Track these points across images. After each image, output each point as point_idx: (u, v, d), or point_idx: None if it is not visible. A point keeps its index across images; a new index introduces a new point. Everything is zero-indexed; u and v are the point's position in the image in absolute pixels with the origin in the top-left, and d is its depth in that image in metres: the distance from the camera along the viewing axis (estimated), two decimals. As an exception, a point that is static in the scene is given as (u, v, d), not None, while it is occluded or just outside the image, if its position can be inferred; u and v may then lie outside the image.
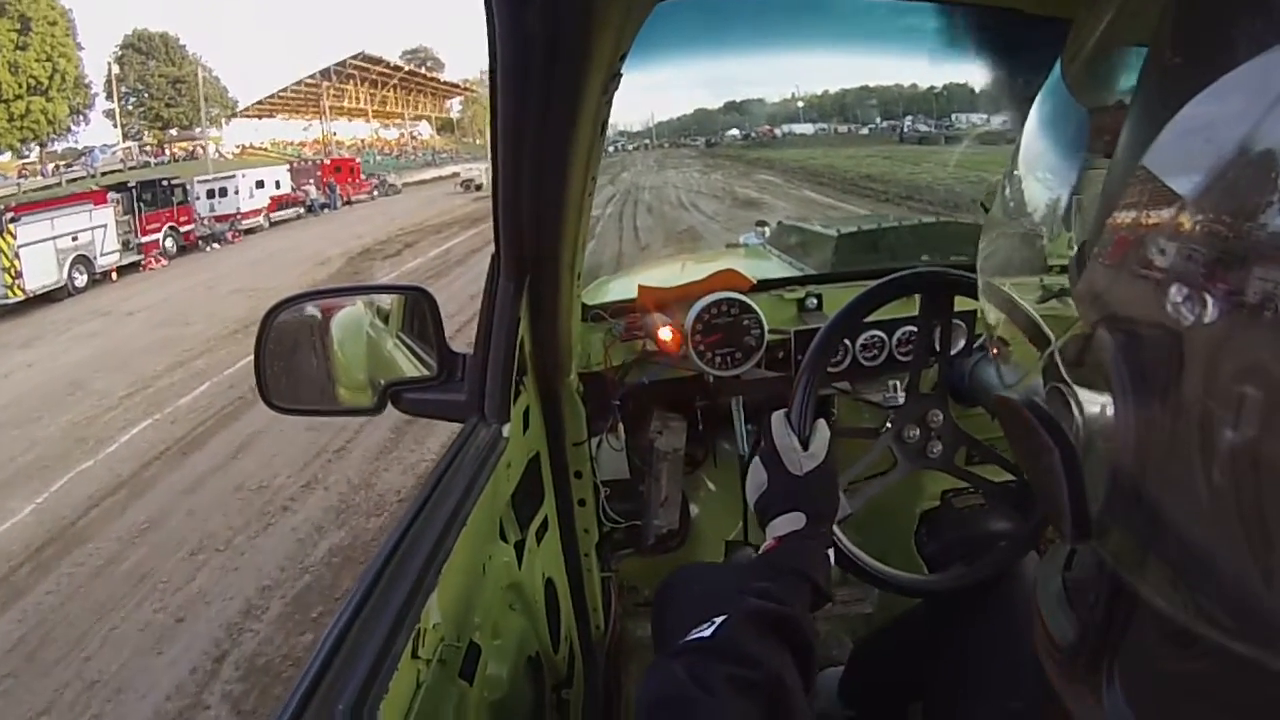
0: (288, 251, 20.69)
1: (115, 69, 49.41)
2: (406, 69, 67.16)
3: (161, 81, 50.82)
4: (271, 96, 58.64)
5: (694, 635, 0.84)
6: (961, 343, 1.62)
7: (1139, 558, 0.46)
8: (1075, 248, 0.50)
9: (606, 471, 1.80)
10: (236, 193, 27.66)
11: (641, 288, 1.81)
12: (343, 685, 0.71)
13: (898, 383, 1.38)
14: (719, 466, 2.00)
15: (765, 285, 1.89)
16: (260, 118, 59.30)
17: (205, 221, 25.82)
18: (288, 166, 36.32)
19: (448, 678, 0.96)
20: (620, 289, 2.06)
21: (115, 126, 50.08)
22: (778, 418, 1.20)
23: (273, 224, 29.04)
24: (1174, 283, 0.36)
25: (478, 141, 70.97)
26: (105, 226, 19.65)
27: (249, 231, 27.34)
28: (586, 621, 1.76)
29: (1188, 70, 0.41)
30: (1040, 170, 0.60)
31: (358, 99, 63.85)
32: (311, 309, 1.37)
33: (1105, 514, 0.45)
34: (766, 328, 1.64)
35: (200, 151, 49.09)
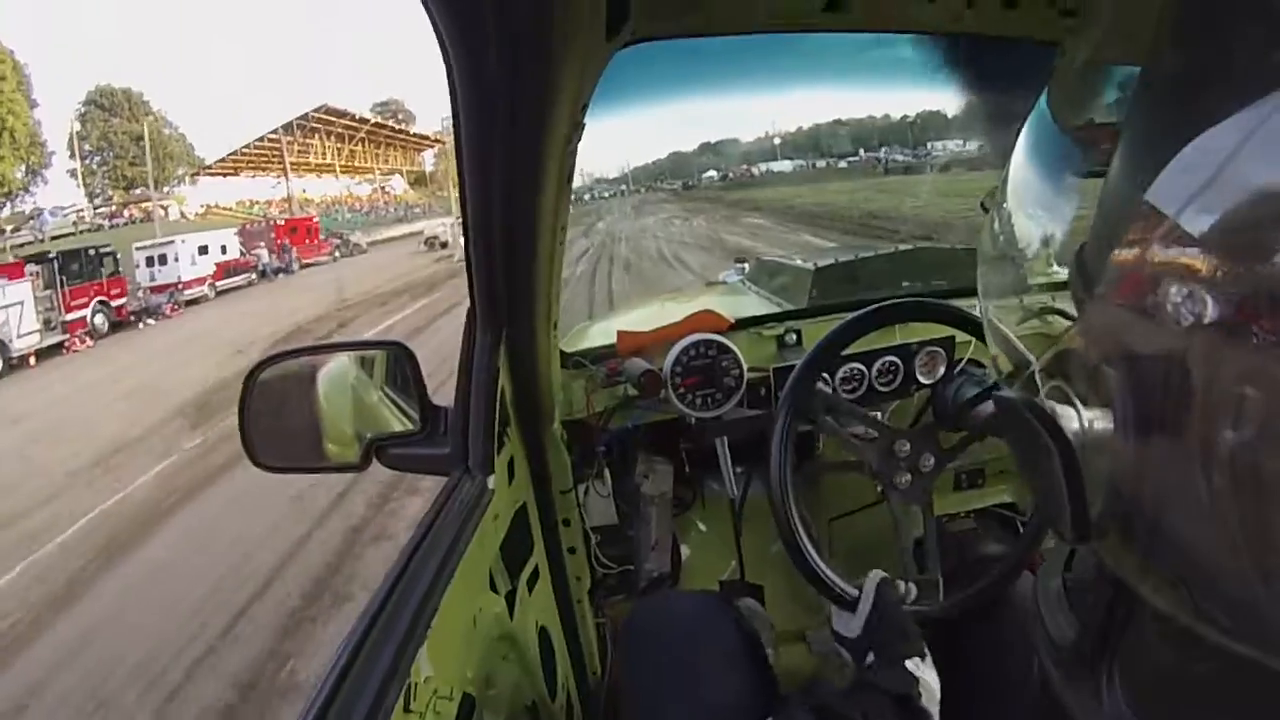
0: (214, 332, 18.57)
1: (77, 126, 48.25)
2: (374, 121, 65.52)
3: (125, 139, 49.57)
4: (234, 153, 56.60)
5: None
6: (941, 369, 1.64)
7: (1139, 559, 0.46)
8: (1073, 253, 0.50)
9: (595, 518, 1.80)
10: (176, 260, 25.66)
11: (620, 333, 1.82)
12: None
13: (880, 414, 1.39)
14: (707, 507, 2.00)
15: (744, 324, 1.90)
16: (225, 176, 57.24)
17: (142, 293, 24.17)
18: (238, 229, 34.30)
19: None
20: (599, 334, 2.07)
21: (78, 186, 48.67)
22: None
23: (219, 293, 27.30)
24: (1179, 289, 0.36)
25: (452, 195, 69.06)
26: (21, 304, 17.97)
27: (192, 302, 25.51)
28: (583, 668, 1.75)
29: (1183, 93, 0.41)
30: (1032, 193, 0.60)
31: (324, 154, 61.92)
32: (296, 365, 1.37)
33: (1105, 515, 0.45)
34: (745, 367, 1.65)
35: (157, 214, 46.43)
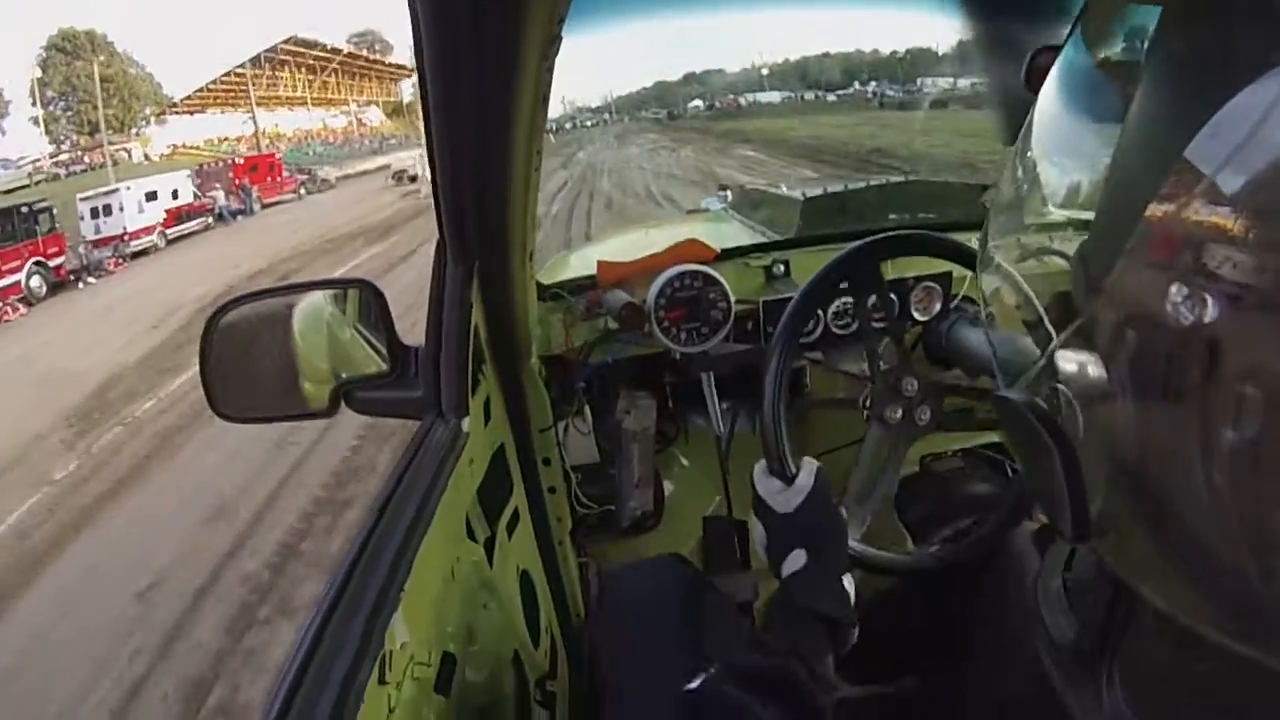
0: (148, 293, 16.87)
1: (38, 72, 46.69)
2: (346, 52, 62.94)
3: (89, 82, 47.47)
4: (201, 90, 54.63)
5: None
6: (937, 305, 1.60)
7: (1139, 558, 0.46)
8: (1072, 267, 0.50)
9: (575, 456, 1.77)
10: (122, 209, 23.63)
11: (600, 263, 1.77)
12: None
13: (876, 350, 1.35)
14: (691, 442, 1.98)
15: (730, 254, 1.85)
16: (192, 113, 55.24)
17: (85, 248, 22.15)
18: (195, 170, 32.29)
19: (422, 695, 0.92)
20: (578, 265, 2.02)
21: (42, 134, 47.45)
22: (758, 469, 1.16)
23: (171, 241, 25.46)
24: (1181, 285, 0.36)
25: None
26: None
27: (140, 254, 23.62)
28: (566, 610, 1.73)
29: (1187, 83, 0.41)
30: (1061, 141, 0.59)
31: (295, 87, 59.72)
32: (254, 311, 1.31)
33: (1105, 514, 0.45)
34: (733, 299, 1.60)
35: (120, 157, 45.67)
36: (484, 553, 1.25)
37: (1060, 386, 0.49)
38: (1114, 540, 0.47)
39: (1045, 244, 0.57)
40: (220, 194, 30.30)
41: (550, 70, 0.99)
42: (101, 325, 14.77)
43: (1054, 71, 0.57)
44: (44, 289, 19.66)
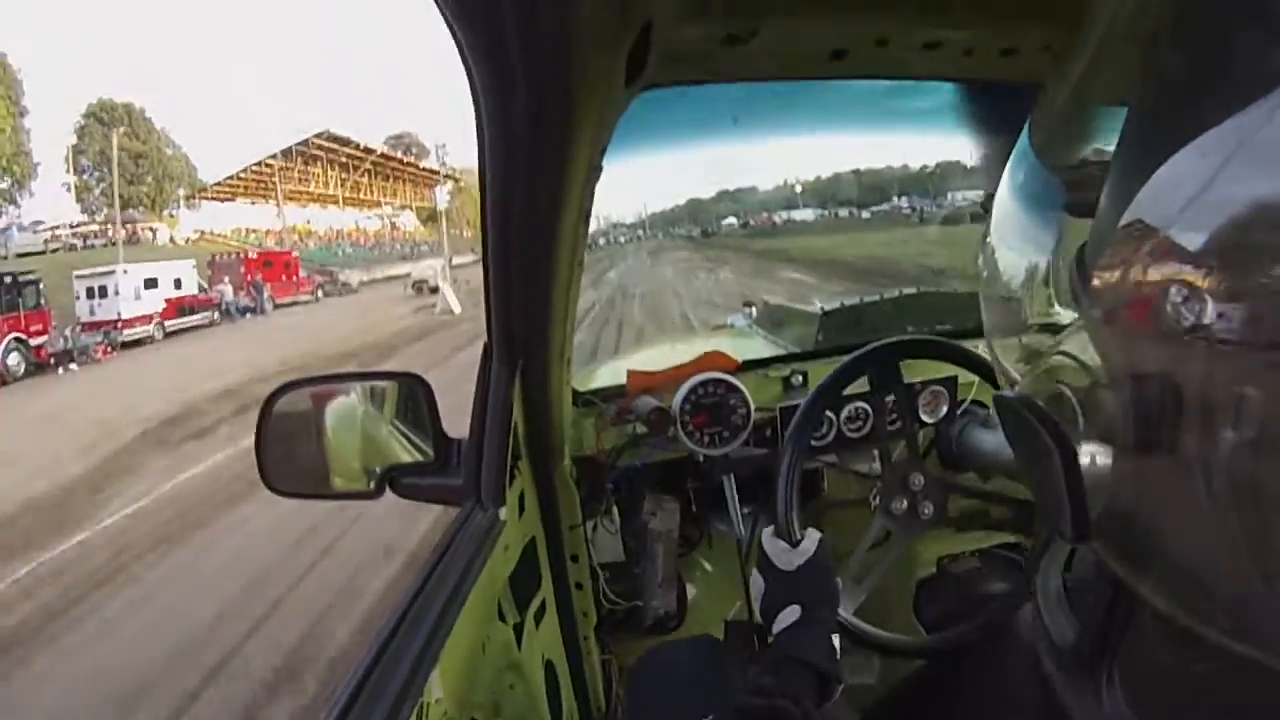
0: (114, 396, 14.55)
1: (73, 139, 45.08)
2: (380, 152, 60.68)
3: (123, 155, 44.82)
4: (231, 178, 52.49)
5: None
6: (944, 408, 1.65)
7: (1139, 559, 0.46)
8: (1061, 304, 0.51)
9: (602, 554, 1.80)
10: (117, 293, 21.98)
11: (630, 372, 1.85)
12: None
13: (878, 452, 1.41)
14: (714, 547, 2.01)
15: (751, 365, 1.93)
16: (222, 200, 53.02)
17: (72, 331, 19.71)
18: (209, 260, 30.93)
19: None
20: (610, 374, 2.09)
21: (74, 202, 45.36)
22: (767, 533, 1.24)
23: (169, 334, 23.41)
24: (1180, 287, 0.36)
25: (464, 234, 63.61)
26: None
27: (132, 344, 21.48)
28: (587, 703, 1.74)
29: (1180, 102, 0.41)
30: (1017, 233, 0.61)
31: (326, 183, 57.63)
32: (308, 395, 1.40)
33: (1105, 515, 0.45)
34: (753, 406, 1.67)
35: (145, 236, 43.74)
36: (513, 636, 1.29)
37: (1060, 386, 0.49)
38: (1114, 540, 0.47)
39: (1010, 310, 0.60)
40: (227, 288, 28.97)
41: (592, 195, 1.11)
42: (44, 434, 12.28)
43: (1007, 168, 0.60)
44: (21, 368, 18.06)
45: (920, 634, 1.66)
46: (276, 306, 30.66)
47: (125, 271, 22.88)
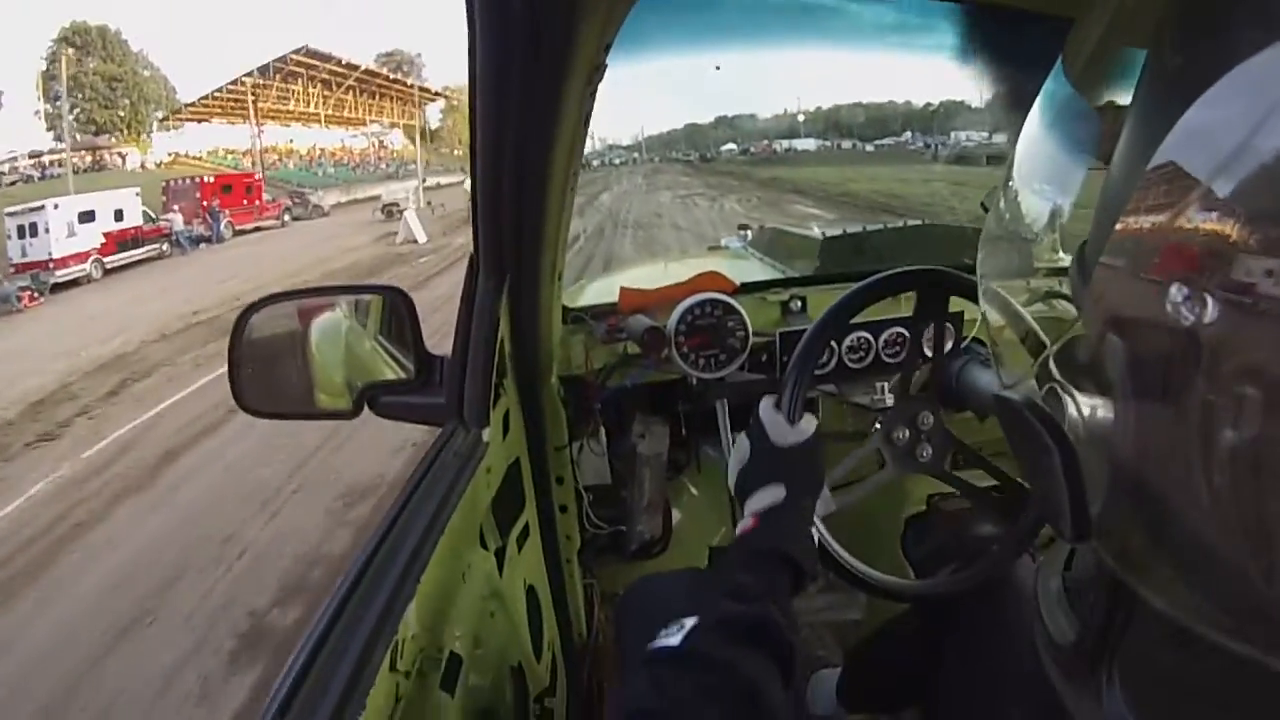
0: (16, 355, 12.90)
1: (43, 65, 44.06)
2: (363, 68, 58.33)
3: (98, 80, 45.27)
4: (206, 98, 50.77)
5: (661, 643, 0.80)
6: (949, 345, 1.61)
7: (1139, 558, 0.47)
8: (1075, 250, 0.50)
9: (588, 477, 1.78)
10: (47, 230, 19.92)
11: (623, 290, 1.79)
12: (317, 701, 0.69)
13: (885, 384, 1.36)
14: (702, 472, 1.99)
15: (748, 288, 1.88)
16: (199, 121, 51.24)
17: (6, 276, 18.38)
18: (162, 187, 29.41)
19: (428, 690, 0.94)
20: (601, 291, 2.04)
21: (47, 129, 44.20)
22: (766, 400, 1.18)
23: (109, 270, 21.33)
24: (1181, 285, 0.36)
25: (455, 153, 63.74)
26: None
27: (66, 285, 19.52)
28: (569, 629, 1.74)
29: (1188, 72, 0.41)
30: (1042, 173, 0.60)
31: (307, 101, 55.74)
32: (289, 309, 1.34)
33: (1105, 514, 0.45)
34: (751, 329, 1.62)
35: (112, 160, 42.78)
36: (495, 562, 1.27)
37: (1060, 386, 0.49)
38: (1114, 540, 0.47)
39: (1031, 271, 0.59)
40: (178, 218, 26.84)
41: (593, 96, 1.03)
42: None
43: (1035, 104, 0.59)
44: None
45: (907, 571, 1.65)
46: (236, 233, 29.16)
47: (56, 206, 20.81)
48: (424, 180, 33.89)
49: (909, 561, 1.70)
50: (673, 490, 1.97)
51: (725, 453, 1.72)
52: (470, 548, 1.16)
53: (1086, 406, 0.46)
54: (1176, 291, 0.36)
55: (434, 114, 70.58)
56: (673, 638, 0.80)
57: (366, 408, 1.25)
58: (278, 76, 52.47)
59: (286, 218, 32.88)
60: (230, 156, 49.50)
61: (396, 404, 1.27)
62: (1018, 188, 0.60)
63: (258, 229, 30.45)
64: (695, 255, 4.23)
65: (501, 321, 1.25)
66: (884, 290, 1.33)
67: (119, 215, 22.64)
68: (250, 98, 50.77)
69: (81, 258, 20.77)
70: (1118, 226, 0.42)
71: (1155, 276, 0.38)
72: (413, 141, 63.82)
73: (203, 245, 26.57)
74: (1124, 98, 0.49)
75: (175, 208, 27.77)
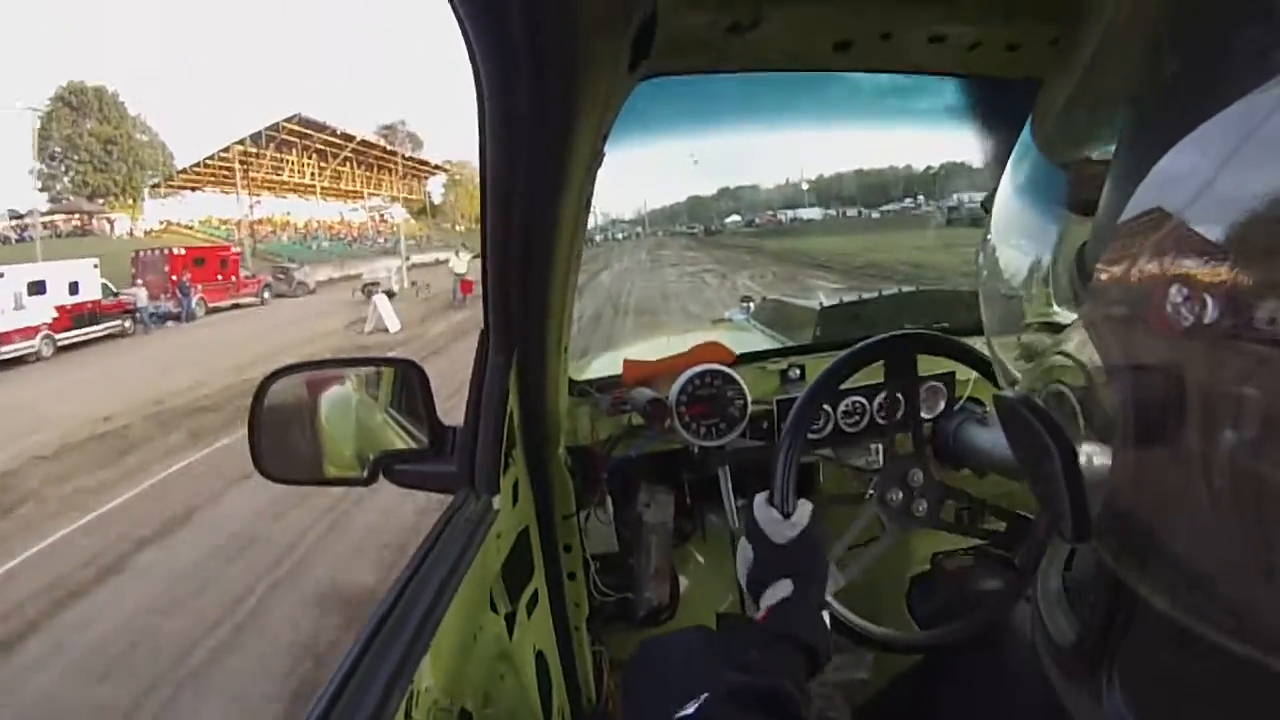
0: None
1: (38, 124, 41.74)
2: (360, 139, 54.72)
3: (93, 142, 43.33)
4: (199, 165, 47.69)
5: (676, 716, 0.82)
6: (941, 404, 1.65)
7: (1139, 559, 0.46)
8: (1074, 252, 0.51)
9: (595, 545, 1.80)
10: None
11: (627, 362, 1.84)
12: None
13: (879, 446, 1.40)
14: (708, 540, 2.00)
15: (748, 358, 1.93)
16: (191, 189, 48.53)
17: None
18: (132, 259, 26.72)
19: None
20: (606, 364, 2.08)
21: (40, 190, 42.23)
22: (759, 499, 1.22)
23: (62, 348, 19.06)
24: (1180, 288, 0.36)
25: (457, 228, 61.60)
26: None
27: (11, 362, 17.42)
28: (578, 694, 1.74)
29: (1181, 99, 0.42)
30: (1017, 228, 0.61)
31: (302, 171, 52.38)
32: (302, 381, 1.39)
33: (1105, 515, 0.46)
34: (750, 398, 1.67)
35: (99, 226, 40.06)
36: (505, 626, 1.29)
37: (1060, 386, 0.49)
38: (1114, 540, 0.47)
39: (1018, 324, 0.60)
40: (141, 292, 23.89)
41: (593, 182, 1.11)
42: None
43: (1009, 162, 0.61)
44: None
45: (913, 630, 1.66)
46: (210, 310, 26.70)
47: (1, 275, 18.47)
48: (408, 258, 32.79)
49: (915, 619, 1.71)
50: (679, 558, 1.98)
51: (729, 519, 1.74)
52: (481, 610, 1.18)
53: (1087, 408, 0.47)
54: (1176, 292, 0.36)
55: (436, 188, 69.44)
56: (687, 708, 0.83)
57: (382, 476, 1.29)
58: (270, 145, 49.22)
59: (266, 295, 30.32)
60: (224, 227, 47.43)
61: (410, 472, 1.31)
62: (995, 243, 0.61)
63: (235, 306, 28.37)
64: (699, 328, 4.27)
65: (511, 394, 1.29)
66: (857, 363, 1.38)
67: (74, 288, 20.40)
68: (239, 166, 48.04)
69: (29, 333, 18.52)
70: (1119, 232, 0.42)
71: (1155, 277, 0.38)
72: (414, 216, 63.28)
73: (170, 324, 24.27)
74: (1093, 152, 0.51)
75: (142, 281, 25.33)
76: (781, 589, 1.06)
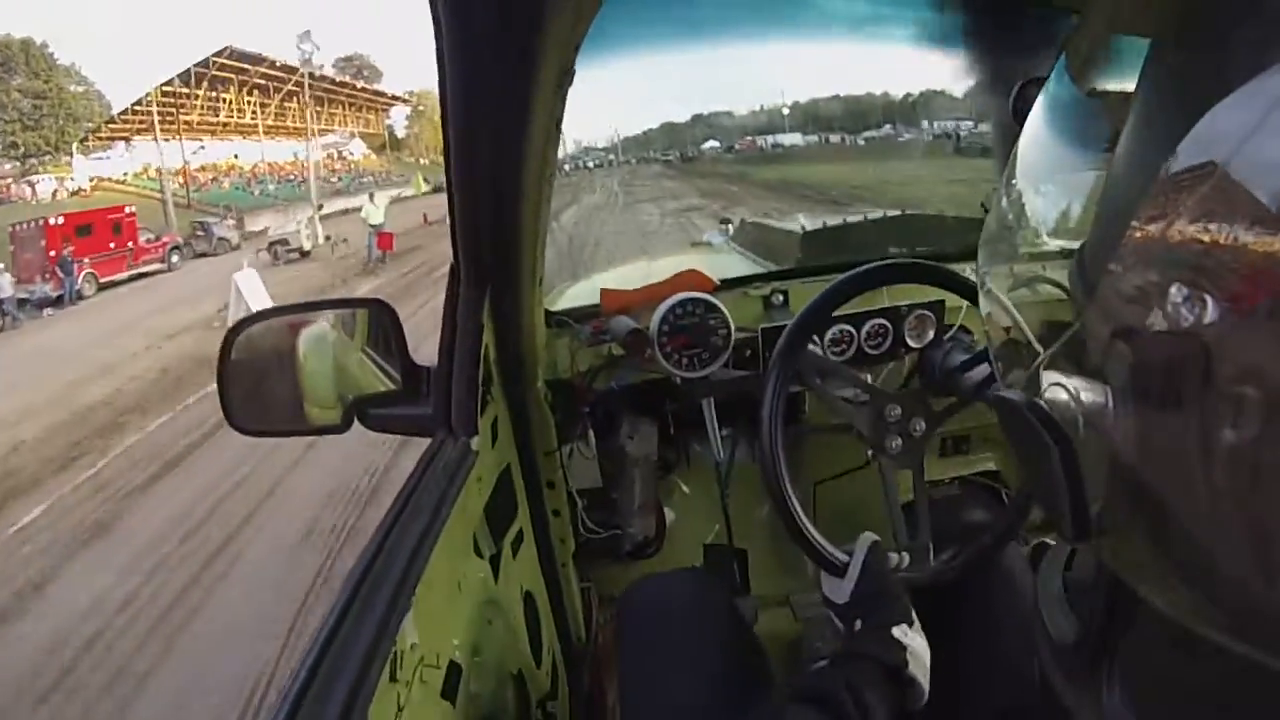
0: None
1: None
2: (300, 70, 44.51)
3: (19, 97, 39.66)
4: (125, 113, 42.32)
5: None
6: (931, 333, 1.63)
7: (1138, 558, 0.46)
8: (1077, 248, 0.50)
9: (579, 480, 1.79)
10: None
11: (604, 291, 1.81)
12: (319, 715, 0.69)
13: (868, 377, 1.38)
14: (693, 469, 2.00)
15: (730, 284, 1.89)
16: (127, 140, 42.73)
17: None
18: (9, 234, 22.83)
19: (429, 699, 0.94)
20: (583, 293, 2.05)
21: None
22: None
23: None
24: (1181, 286, 0.36)
25: (421, 161, 58.64)
26: None
27: None
28: (568, 633, 1.75)
29: (1191, 70, 0.41)
30: (1046, 172, 0.60)
31: (241, 111, 47.44)
32: (276, 325, 1.35)
33: (1105, 514, 0.45)
34: (733, 327, 1.63)
35: (17, 191, 35.93)
36: (490, 569, 1.27)
37: (1060, 386, 0.48)
38: (1114, 540, 0.47)
39: (1033, 270, 0.58)
40: (4, 279, 19.72)
41: (563, 101, 1.04)
42: None
43: (1039, 101, 0.58)
44: None
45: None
46: (103, 287, 22.70)
47: None
48: (320, 206, 27.90)
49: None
50: (664, 489, 1.98)
51: (714, 450, 1.73)
52: (465, 557, 1.17)
53: (1087, 406, 0.46)
54: (1176, 291, 0.36)
55: (400, 121, 65.24)
56: None
57: (357, 422, 1.26)
58: (204, 84, 43.93)
59: (176, 258, 25.88)
60: (155, 179, 40.67)
61: (385, 416, 1.27)
62: (1020, 187, 0.60)
63: (139, 276, 24.07)
64: (677, 252, 4.22)
65: (485, 329, 1.25)
66: (839, 299, 1.36)
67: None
68: (169, 109, 42.53)
69: None
70: (1124, 229, 0.41)
71: (1153, 278, 0.38)
72: (375, 152, 58.70)
73: (49, 311, 20.51)
74: (1129, 89, 0.49)
75: (16, 261, 21.87)
76: (856, 628, 1.15)
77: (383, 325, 1.32)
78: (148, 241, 25.54)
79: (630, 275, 2.13)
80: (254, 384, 1.31)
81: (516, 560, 1.43)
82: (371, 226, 20.21)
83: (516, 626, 1.38)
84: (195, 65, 42.62)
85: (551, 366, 1.69)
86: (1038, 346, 0.53)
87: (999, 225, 0.62)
